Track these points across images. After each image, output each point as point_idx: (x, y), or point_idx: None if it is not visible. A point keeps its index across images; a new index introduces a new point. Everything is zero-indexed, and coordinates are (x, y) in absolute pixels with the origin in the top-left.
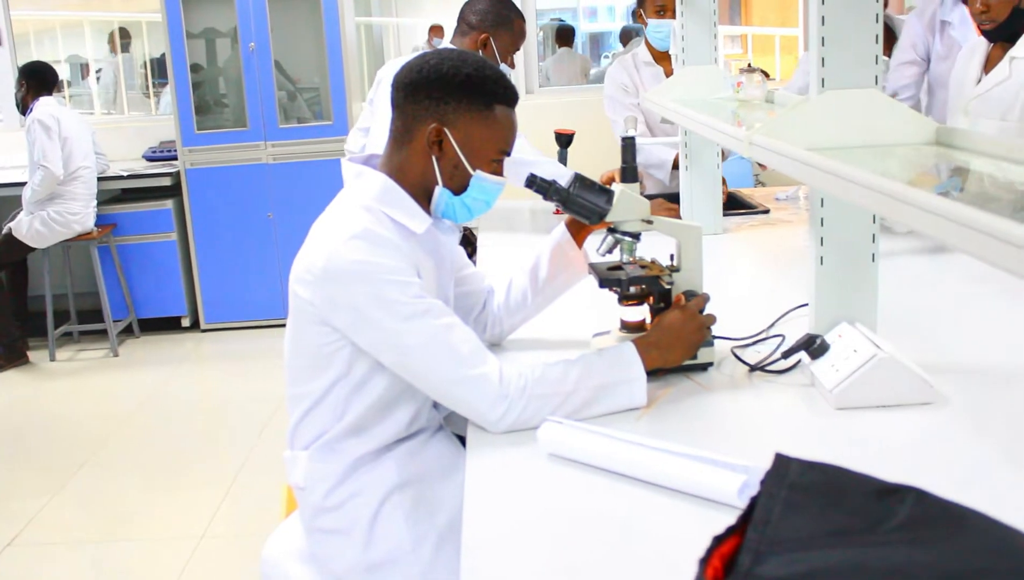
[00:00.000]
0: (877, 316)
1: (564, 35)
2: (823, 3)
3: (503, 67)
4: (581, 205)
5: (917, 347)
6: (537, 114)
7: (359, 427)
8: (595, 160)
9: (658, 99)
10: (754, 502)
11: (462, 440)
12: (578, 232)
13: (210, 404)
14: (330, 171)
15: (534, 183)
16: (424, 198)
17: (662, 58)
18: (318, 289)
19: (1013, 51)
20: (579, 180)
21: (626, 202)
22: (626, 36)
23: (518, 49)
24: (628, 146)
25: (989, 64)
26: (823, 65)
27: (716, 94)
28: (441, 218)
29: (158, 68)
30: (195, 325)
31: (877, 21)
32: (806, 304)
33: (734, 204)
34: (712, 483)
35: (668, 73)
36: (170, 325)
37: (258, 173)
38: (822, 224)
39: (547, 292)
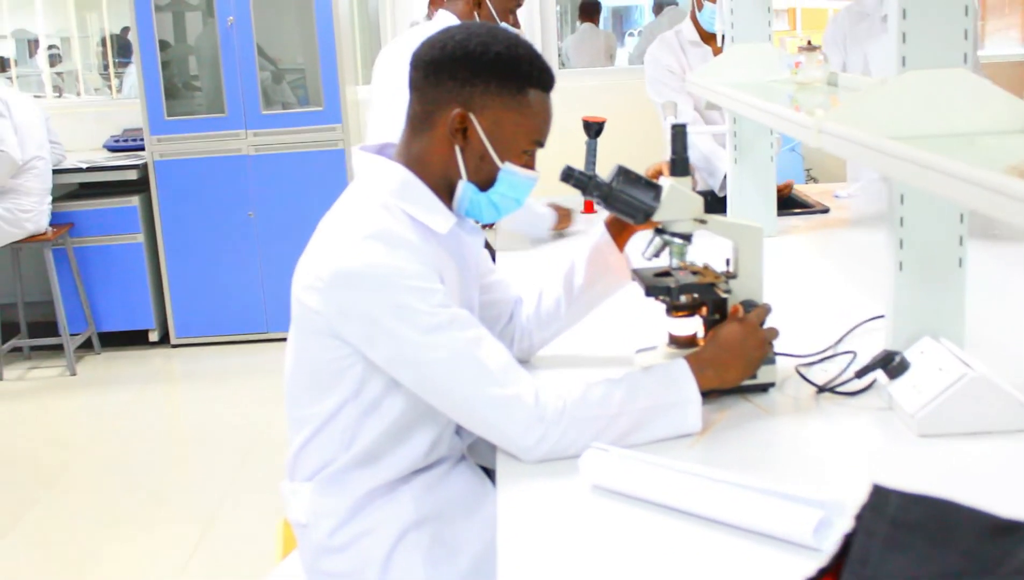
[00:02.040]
0: (964, 330)
1: (588, 9)
2: None
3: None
4: (625, 202)
5: (1009, 367)
6: (557, 99)
7: (371, 456)
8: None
9: (705, 82)
10: (849, 540)
11: (487, 472)
12: (620, 233)
13: (183, 430)
14: (321, 164)
15: (571, 176)
16: (446, 193)
17: (709, 38)
18: (327, 297)
19: None
20: (623, 173)
21: (676, 199)
22: (658, 6)
23: (519, 4)
24: (679, 135)
25: None
26: (904, 41)
27: (770, 76)
28: (464, 217)
29: (119, 45)
30: (164, 340)
31: None
32: (880, 316)
33: (788, 203)
34: (784, 520)
35: (716, 54)
36: (136, 340)
37: (237, 166)
38: (902, 224)
39: (583, 301)
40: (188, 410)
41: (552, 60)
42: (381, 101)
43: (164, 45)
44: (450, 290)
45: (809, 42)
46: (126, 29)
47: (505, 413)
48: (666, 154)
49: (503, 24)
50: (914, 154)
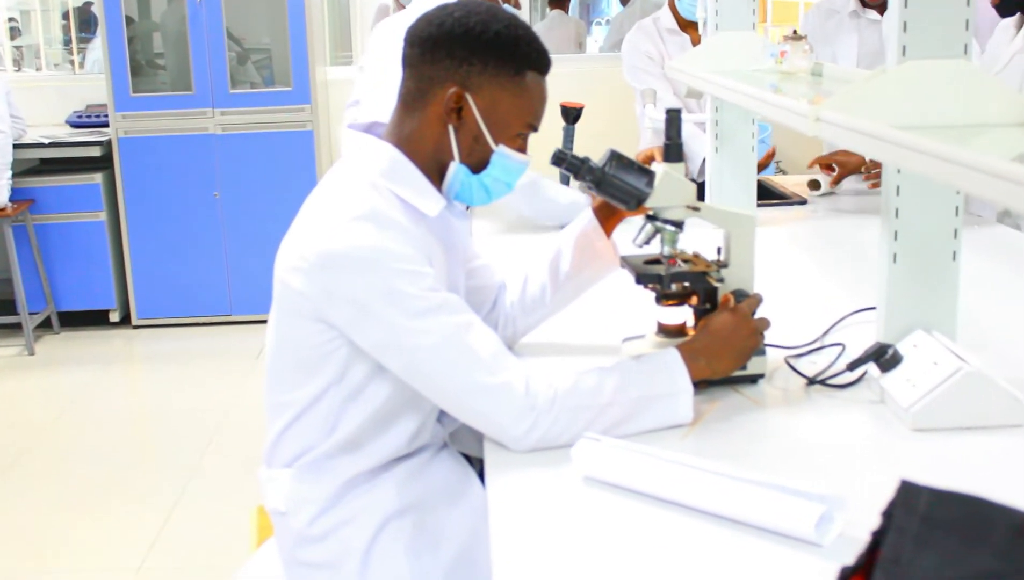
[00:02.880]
0: (956, 324)
1: None
2: None
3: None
4: (618, 187)
5: (1001, 361)
6: None
7: (353, 442)
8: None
9: (690, 69)
10: (878, 537)
11: (469, 460)
12: (608, 219)
13: (145, 413)
14: (289, 145)
15: (563, 159)
16: (436, 175)
17: (687, 26)
18: (313, 279)
19: None
20: (616, 158)
21: (670, 185)
22: None
23: None
24: (673, 120)
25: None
26: (904, 30)
27: (753, 65)
28: (453, 200)
29: (81, 20)
30: (126, 320)
31: None
32: (868, 308)
33: (766, 194)
34: (785, 514)
35: (695, 42)
36: (96, 320)
37: (204, 145)
38: (897, 215)
39: (569, 288)
40: (150, 393)
41: None
42: (375, 78)
43: (129, 21)
44: (438, 274)
45: (795, 32)
46: (88, 3)
47: (495, 401)
48: (644, 140)
49: (504, 3)
50: (916, 141)
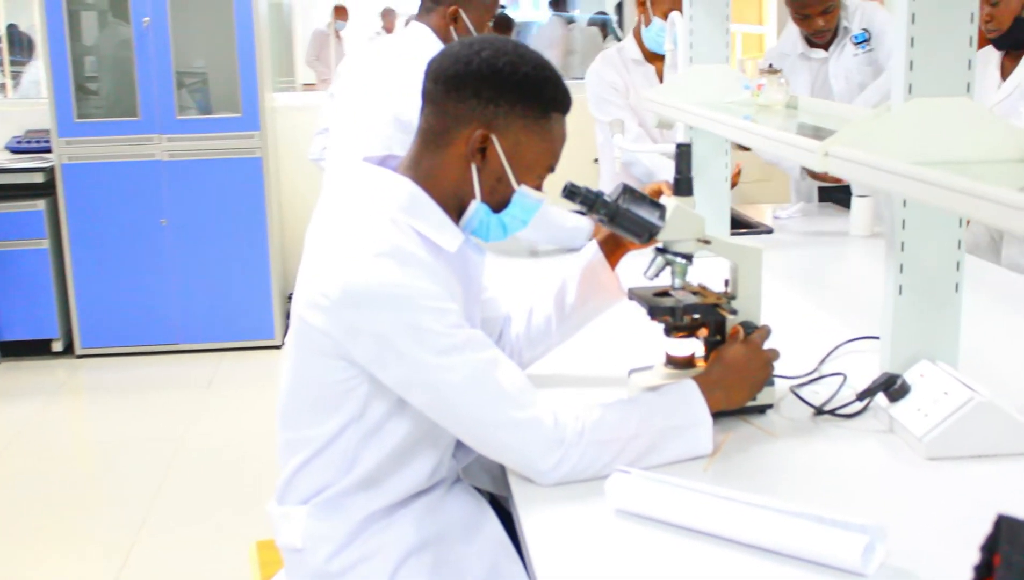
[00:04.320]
0: (959, 353)
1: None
2: None
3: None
4: (632, 221)
5: (1002, 389)
6: None
7: (372, 479)
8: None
9: (670, 101)
10: (981, 573)
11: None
12: (613, 252)
13: (92, 447)
14: (238, 171)
15: (576, 194)
16: (454, 211)
17: (652, 57)
18: (336, 316)
19: None
20: (629, 192)
21: (681, 219)
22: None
23: (493, 17)
24: (683, 154)
25: (1003, 73)
26: (911, 69)
27: (727, 97)
28: (470, 236)
29: (14, 41)
30: (69, 350)
31: (972, 21)
32: (862, 337)
33: (733, 223)
34: (830, 545)
35: (660, 73)
36: (38, 349)
37: (150, 171)
38: (903, 249)
39: (574, 320)
40: (97, 426)
41: None
42: (349, 107)
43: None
44: (458, 309)
45: (771, 65)
46: (12, 26)
47: (524, 436)
48: (605, 171)
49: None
50: (928, 174)
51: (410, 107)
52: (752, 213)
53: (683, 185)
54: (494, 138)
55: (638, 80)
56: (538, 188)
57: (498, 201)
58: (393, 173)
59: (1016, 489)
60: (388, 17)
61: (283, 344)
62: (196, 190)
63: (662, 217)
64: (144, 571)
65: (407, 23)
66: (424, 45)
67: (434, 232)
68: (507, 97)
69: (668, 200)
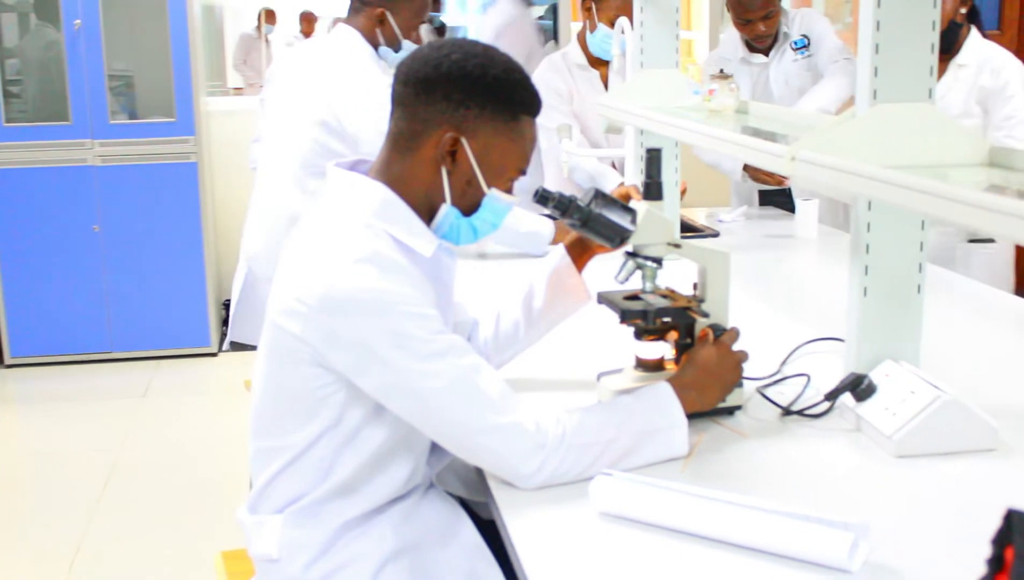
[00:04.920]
0: (920, 353)
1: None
2: (879, 6)
3: (407, 44)
4: (604, 225)
5: (963, 388)
6: None
7: (348, 487)
8: None
9: (623, 105)
10: (994, 566)
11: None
12: (580, 256)
13: (25, 459)
14: (173, 177)
15: (548, 198)
16: (426, 214)
17: (597, 62)
18: (314, 323)
19: (958, 59)
20: (601, 196)
21: (652, 223)
22: None
23: (423, 21)
24: (653, 159)
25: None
26: (876, 75)
27: (677, 102)
28: (441, 240)
29: None
30: None
31: (934, 29)
32: (822, 338)
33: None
34: (817, 543)
35: (603, 78)
36: None
37: (82, 177)
38: (868, 251)
39: (542, 324)
40: (29, 437)
41: None
42: (280, 119)
43: None
44: (438, 315)
45: (722, 70)
46: None
47: (506, 441)
48: (549, 176)
49: (406, 41)
50: (894, 176)
51: (339, 109)
52: (692, 217)
53: (653, 189)
54: (464, 141)
55: (583, 86)
56: (508, 191)
57: (468, 204)
58: (365, 177)
59: (985, 484)
60: (307, 21)
61: (219, 352)
62: (129, 196)
63: (633, 221)
64: None
65: (334, 25)
66: (351, 47)
67: (409, 237)
68: (476, 100)
69: (638, 204)
